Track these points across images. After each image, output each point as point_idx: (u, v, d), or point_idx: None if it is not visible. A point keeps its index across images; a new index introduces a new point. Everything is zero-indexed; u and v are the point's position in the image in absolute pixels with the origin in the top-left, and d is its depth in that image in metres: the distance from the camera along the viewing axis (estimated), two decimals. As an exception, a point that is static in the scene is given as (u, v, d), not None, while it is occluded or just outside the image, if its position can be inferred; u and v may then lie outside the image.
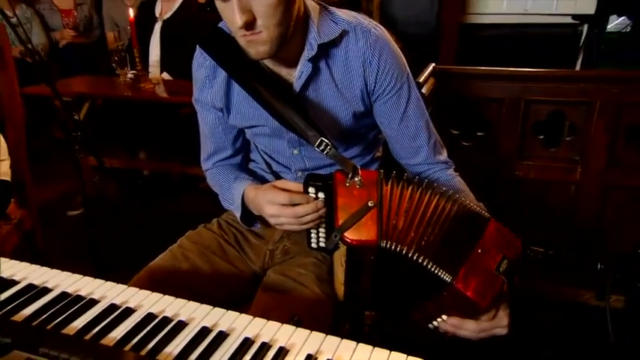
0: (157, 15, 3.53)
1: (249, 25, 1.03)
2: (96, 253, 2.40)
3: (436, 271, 0.98)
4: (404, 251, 1.00)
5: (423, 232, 1.02)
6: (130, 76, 3.16)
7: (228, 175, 1.39)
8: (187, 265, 1.32)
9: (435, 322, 1.09)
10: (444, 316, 1.06)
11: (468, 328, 1.04)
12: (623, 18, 2.95)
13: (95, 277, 1.00)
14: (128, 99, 3.15)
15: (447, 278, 0.97)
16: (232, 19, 1.04)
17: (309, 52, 1.19)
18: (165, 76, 3.41)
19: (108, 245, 2.59)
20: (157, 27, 3.51)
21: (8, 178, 1.85)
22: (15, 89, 1.93)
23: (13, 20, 4.06)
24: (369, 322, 1.27)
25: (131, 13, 3.12)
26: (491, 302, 0.99)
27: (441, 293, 1.00)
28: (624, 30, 2.99)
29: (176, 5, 3.50)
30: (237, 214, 1.34)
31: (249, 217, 1.33)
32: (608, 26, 2.98)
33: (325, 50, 1.21)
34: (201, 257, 1.35)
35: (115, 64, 3.25)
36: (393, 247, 1.01)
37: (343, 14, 1.24)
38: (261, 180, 1.41)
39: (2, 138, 1.86)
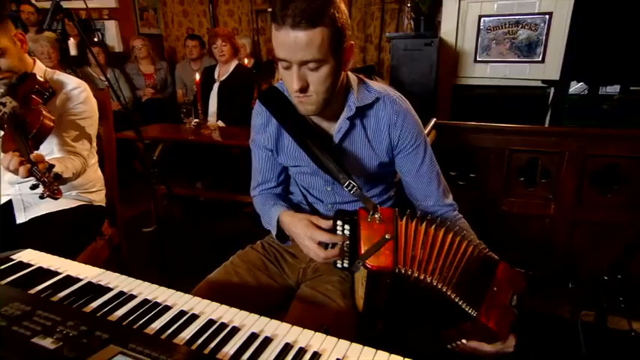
0: (216, 77, 3.61)
1: (303, 89, 1.06)
2: (164, 262, 2.41)
3: (463, 306, 0.97)
4: (428, 279, 0.98)
5: (443, 265, 1.01)
6: (193, 123, 3.20)
7: (269, 201, 1.38)
8: (237, 279, 1.31)
9: (454, 344, 1.07)
10: (464, 340, 1.05)
11: (485, 350, 1.03)
12: (581, 84, 2.96)
13: (162, 283, 0.99)
14: (191, 142, 3.17)
15: (473, 313, 0.96)
16: (291, 83, 1.06)
17: (348, 112, 1.20)
18: (220, 123, 3.44)
19: (174, 256, 2.59)
20: (215, 86, 3.58)
21: (103, 204, 1.87)
22: (112, 136, 1.97)
23: (106, 83, 4.19)
24: (380, 328, 1.24)
25: (197, 76, 3.20)
26: (507, 331, 0.98)
27: (465, 323, 0.99)
28: (582, 93, 3.00)
29: (230, 69, 3.57)
30: (273, 233, 1.33)
31: (283, 235, 1.31)
32: (570, 89, 2.99)
33: (361, 112, 1.22)
34: (248, 272, 1.34)
35: (183, 114, 3.31)
36: (411, 273, 0.99)
37: (375, 85, 1.26)
38: (297, 208, 1.40)
39: (101, 172, 1.89)
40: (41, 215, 1.67)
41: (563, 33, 2.90)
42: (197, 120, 3.21)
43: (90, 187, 1.80)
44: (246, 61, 4.18)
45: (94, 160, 1.81)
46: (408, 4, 3.05)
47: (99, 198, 1.85)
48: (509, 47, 3.08)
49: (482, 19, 3.05)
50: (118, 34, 5.19)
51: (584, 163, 2.10)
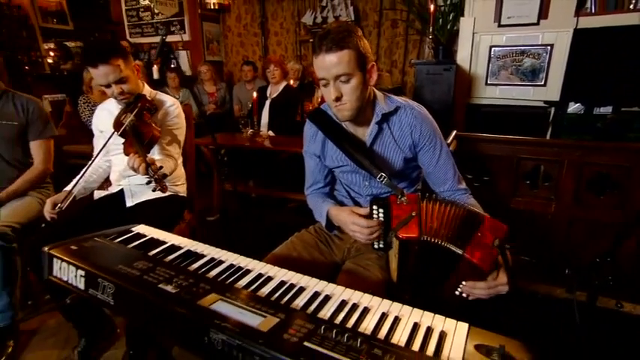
0: (268, 95, 3.68)
1: (339, 99, 1.15)
2: (228, 244, 2.48)
3: (453, 249, 1.03)
4: (439, 242, 1.05)
5: (449, 229, 1.07)
6: (249, 132, 3.29)
7: (319, 200, 1.44)
8: (296, 254, 1.36)
9: (459, 289, 1.10)
10: (464, 282, 1.07)
11: (480, 286, 1.05)
12: (578, 104, 2.90)
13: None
14: (247, 147, 3.24)
15: (459, 252, 1.02)
16: (329, 95, 1.16)
17: (376, 118, 1.27)
18: (271, 133, 3.51)
19: (232, 240, 2.66)
20: (267, 102, 3.65)
21: (185, 195, 1.96)
22: (193, 141, 2.06)
23: (179, 100, 4.34)
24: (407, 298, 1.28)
25: (255, 94, 3.30)
26: (490, 266, 1.01)
27: (459, 265, 1.03)
28: (579, 112, 2.93)
29: (280, 89, 3.64)
30: (323, 224, 1.39)
31: (331, 226, 1.38)
32: (568, 109, 2.94)
33: (386, 118, 1.28)
34: (304, 250, 1.39)
35: (241, 126, 3.39)
36: (431, 239, 1.06)
37: (397, 98, 1.32)
38: (342, 203, 1.45)
39: (184, 169, 1.98)
40: (143, 201, 1.79)
41: (563, 61, 2.87)
42: (252, 130, 3.29)
43: (176, 180, 1.89)
44: (291, 82, 4.27)
45: (180, 160, 1.91)
46: (430, 37, 3.08)
47: (182, 190, 1.94)
48: (515, 73, 3.06)
49: (493, 49, 3.05)
50: (189, 61, 5.35)
51: (581, 170, 2.09)
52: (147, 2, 5.34)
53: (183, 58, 5.38)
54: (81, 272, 0.94)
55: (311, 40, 4.93)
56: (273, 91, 3.67)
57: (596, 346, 1.62)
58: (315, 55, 1.14)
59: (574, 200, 2.13)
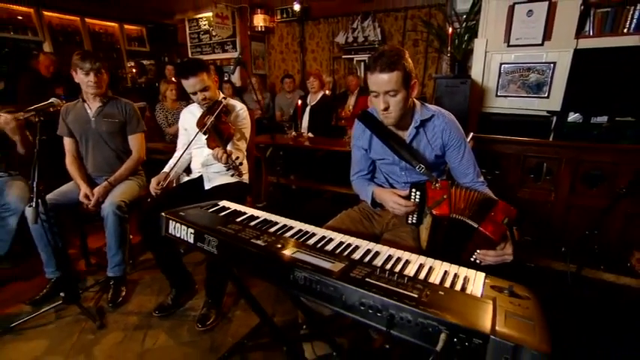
0: (308, 103, 3.78)
1: (386, 109, 1.25)
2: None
3: (471, 223, 1.12)
4: (463, 218, 1.14)
5: (471, 209, 1.16)
6: (293, 134, 3.39)
7: (364, 183, 1.54)
8: (344, 227, 1.46)
9: (474, 256, 1.17)
10: (478, 250, 1.15)
11: (490, 254, 1.13)
12: (577, 114, 2.88)
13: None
14: (291, 146, 3.30)
15: (475, 225, 1.11)
16: (379, 105, 1.25)
17: (414, 123, 1.36)
18: (310, 134, 3.61)
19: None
20: (307, 109, 3.75)
21: (247, 182, 2.07)
22: (254, 140, 2.18)
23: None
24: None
25: (299, 102, 3.43)
26: (499, 238, 1.09)
27: (475, 236, 1.12)
28: (578, 121, 2.91)
29: (318, 97, 3.74)
30: (368, 202, 1.49)
31: (375, 203, 1.47)
32: (568, 118, 2.92)
33: (423, 123, 1.37)
34: (351, 223, 1.49)
35: (286, 128, 3.54)
36: (457, 217, 1.15)
37: (431, 106, 1.40)
38: (381, 187, 1.53)
39: (246, 162, 2.11)
40: (217, 185, 1.93)
41: (564, 77, 2.84)
42: (295, 132, 3.39)
43: (242, 170, 2.04)
44: (327, 92, 4.38)
45: (245, 153, 2.04)
46: (447, 55, 3.14)
47: (246, 178, 2.05)
48: (522, 86, 3.06)
49: (502, 65, 3.06)
50: (239, 75, 5.54)
51: (577, 167, 2.14)
52: (206, 26, 5.58)
53: (235, 72, 5.56)
54: (191, 230, 1.09)
55: (343, 57, 5.07)
56: (312, 99, 3.78)
57: (583, 304, 1.70)
58: (369, 72, 1.24)
59: (570, 191, 2.17)
